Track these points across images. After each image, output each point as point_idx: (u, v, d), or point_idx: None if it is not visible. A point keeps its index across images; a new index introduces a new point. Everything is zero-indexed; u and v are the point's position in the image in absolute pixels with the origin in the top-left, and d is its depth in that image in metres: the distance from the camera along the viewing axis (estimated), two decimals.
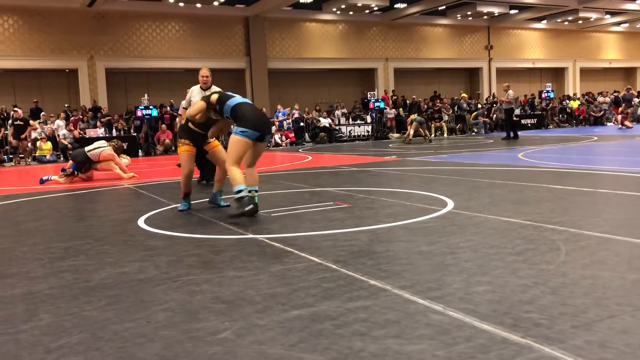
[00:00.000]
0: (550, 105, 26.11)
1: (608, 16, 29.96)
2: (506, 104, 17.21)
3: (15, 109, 17.81)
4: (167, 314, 2.71)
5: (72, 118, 19.00)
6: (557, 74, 33.75)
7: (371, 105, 22.09)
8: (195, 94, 7.47)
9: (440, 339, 2.25)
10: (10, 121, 17.69)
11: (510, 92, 17.26)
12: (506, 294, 2.75)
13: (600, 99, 26.98)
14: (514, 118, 17.95)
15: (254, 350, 2.23)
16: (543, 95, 26.02)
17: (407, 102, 25.06)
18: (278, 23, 25.31)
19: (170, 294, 3.02)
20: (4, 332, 2.58)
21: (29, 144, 17.25)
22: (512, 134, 16.88)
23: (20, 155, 17.08)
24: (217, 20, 23.94)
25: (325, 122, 21.35)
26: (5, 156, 17.28)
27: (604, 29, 33.22)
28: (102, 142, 10.38)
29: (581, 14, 28.39)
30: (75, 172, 9.84)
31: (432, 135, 21.60)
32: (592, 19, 29.85)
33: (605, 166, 8.72)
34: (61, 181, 9.72)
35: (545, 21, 30.73)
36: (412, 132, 18.02)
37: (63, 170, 9.93)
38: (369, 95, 22.93)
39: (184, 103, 7.98)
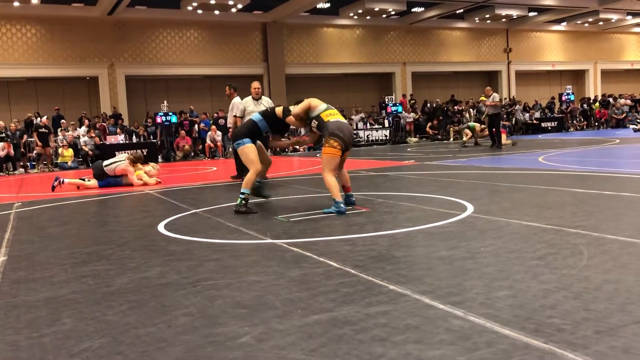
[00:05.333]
0: (570, 107, 25.82)
1: (630, 17, 29.52)
2: (492, 108, 15.60)
3: (40, 117, 18.10)
4: (188, 318, 2.73)
5: (100, 124, 19.29)
6: (577, 76, 33.37)
7: (389, 110, 22.05)
8: (249, 103, 9.30)
9: (461, 344, 2.23)
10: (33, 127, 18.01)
11: (495, 95, 15.94)
12: (528, 299, 2.72)
13: (622, 101, 26.61)
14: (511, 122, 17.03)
15: (274, 355, 2.24)
16: (563, 98, 25.73)
17: (427, 105, 25.00)
18: (295, 29, 25.42)
19: (190, 299, 3.04)
20: (28, 335, 2.62)
21: (52, 151, 17.53)
22: (496, 141, 15.58)
23: (44, 162, 17.36)
24: (235, 26, 24.12)
25: None
26: (29, 163, 17.58)
27: (625, 30, 32.78)
28: (121, 156, 10.31)
29: (602, 15, 28.04)
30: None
31: (452, 139, 21.53)
32: (613, 20, 29.47)
33: (628, 169, 8.58)
34: (87, 184, 9.77)
35: (564, 23, 30.41)
36: (465, 138, 17.39)
37: (82, 179, 10.02)
38: (386, 100, 22.89)
39: (238, 112, 9.42)
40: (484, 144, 16.69)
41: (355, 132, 21.59)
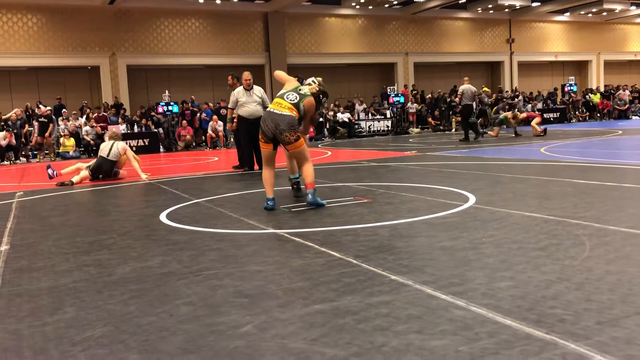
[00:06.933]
0: (572, 99, 25.72)
1: (633, 7, 29.36)
2: (464, 98, 15.10)
3: (40, 105, 18.16)
4: (190, 307, 2.73)
5: (96, 114, 19.26)
6: (580, 67, 33.22)
7: (391, 100, 21.99)
8: (241, 94, 9.21)
9: (462, 334, 2.23)
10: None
11: (465, 85, 15.07)
12: (530, 289, 2.72)
13: (621, 92, 26.49)
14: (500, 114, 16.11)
15: (275, 344, 2.24)
16: (566, 89, 25.65)
17: (429, 96, 24.92)
18: (297, 18, 25.30)
19: (192, 288, 3.05)
20: (30, 324, 2.63)
21: (53, 140, 17.54)
22: (469, 135, 14.90)
23: (46, 152, 17.36)
24: (237, 16, 24.02)
25: (344, 117, 21.33)
26: (31, 152, 17.58)
27: (629, 20, 32.59)
28: (108, 142, 9.64)
29: (605, 6, 27.90)
30: (100, 176, 9.38)
31: (453, 129, 21.46)
32: (616, 11, 29.31)
33: (630, 160, 8.56)
34: (76, 177, 9.18)
35: (568, 13, 30.25)
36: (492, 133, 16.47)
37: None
38: (388, 90, 22.83)
39: (230, 104, 9.35)
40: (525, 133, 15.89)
41: (356, 122, 21.54)
